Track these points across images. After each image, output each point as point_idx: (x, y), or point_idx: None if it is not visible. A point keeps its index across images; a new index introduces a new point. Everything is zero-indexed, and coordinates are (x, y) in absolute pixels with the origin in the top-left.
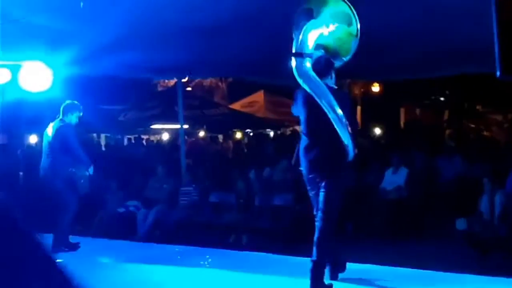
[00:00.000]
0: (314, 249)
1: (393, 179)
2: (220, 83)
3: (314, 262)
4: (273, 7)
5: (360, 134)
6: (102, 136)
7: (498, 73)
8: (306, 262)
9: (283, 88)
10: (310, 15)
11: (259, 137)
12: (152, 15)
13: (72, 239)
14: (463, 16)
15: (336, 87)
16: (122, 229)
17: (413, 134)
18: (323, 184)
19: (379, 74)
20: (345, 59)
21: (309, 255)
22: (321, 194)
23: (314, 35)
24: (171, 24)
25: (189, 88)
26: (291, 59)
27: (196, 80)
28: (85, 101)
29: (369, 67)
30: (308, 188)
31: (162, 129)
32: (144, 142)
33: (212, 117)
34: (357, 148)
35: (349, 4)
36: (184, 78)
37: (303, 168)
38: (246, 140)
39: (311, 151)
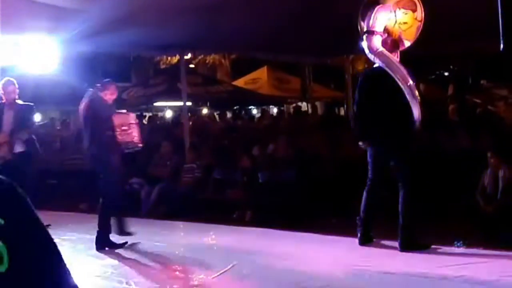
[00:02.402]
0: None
1: None
2: (223, 60)
3: (401, 225)
4: None
5: None
6: None
7: (501, 46)
8: (309, 237)
9: (286, 64)
10: (375, 4)
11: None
12: None
13: (76, 216)
14: None
15: None
16: (126, 206)
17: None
18: (395, 157)
19: None
20: (409, 42)
21: (312, 230)
22: (396, 167)
23: (382, 18)
24: (174, 1)
25: (192, 65)
26: (362, 39)
27: (199, 57)
28: (88, 78)
29: None
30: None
31: (166, 106)
32: (146, 119)
33: (215, 94)
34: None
35: None
36: (187, 55)
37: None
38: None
39: (378, 127)
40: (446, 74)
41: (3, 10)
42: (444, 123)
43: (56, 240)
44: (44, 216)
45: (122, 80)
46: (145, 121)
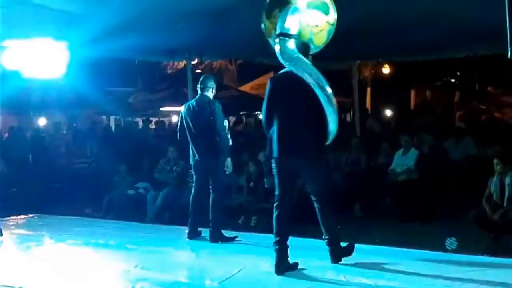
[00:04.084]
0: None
1: (403, 161)
2: (229, 65)
3: (329, 240)
4: None
5: (370, 116)
6: (112, 118)
7: (509, 54)
8: (313, 243)
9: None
10: (284, 2)
11: None
12: None
13: (84, 221)
14: None
15: None
16: (132, 211)
17: (424, 116)
18: (305, 174)
19: (390, 55)
20: (320, 46)
21: (318, 236)
22: (309, 181)
23: (295, 20)
24: (181, 6)
25: (198, 70)
26: (274, 42)
27: (206, 62)
28: (94, 83)
29: (379, 48)
30: (283, 175)
31: (172, 111)
32: (153, 124)
33: (221, 99)
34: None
35: None
36: (194, 60)
37: (278, 156)
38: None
39: (286, 138)
40: (452, 80)
41: (10, 15)
42: (451, 129)
43: (61, 245)
44: (50, 220)
45: (128, 85)
46: (151, 126)
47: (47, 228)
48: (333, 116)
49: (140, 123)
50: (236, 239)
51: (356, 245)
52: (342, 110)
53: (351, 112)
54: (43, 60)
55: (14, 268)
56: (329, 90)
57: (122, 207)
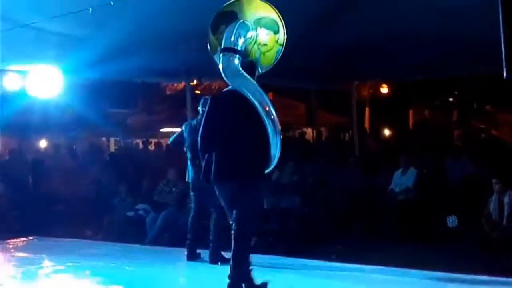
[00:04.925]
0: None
1: (402, 180)
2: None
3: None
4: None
5: (369, 136)
6: (112, 140)
7: (504, 74)
8: (312, 264)
9: (292, 90)
10: (232, 18)
11: None
12: (160, 18)
13: (84, 243)
14: (471, 16)
15: None
16: (132, 232)
17: (422, 135)
18: (238, 195)
19: (388, 75)
20: (267, 67)
21: (315, 257)
22: (237, 206)
23: (239, 36)
24: (179, 28)
25: (198, 91)
26: (219, 58)
27: (205, 83)
28: (94, 105)
29: (377, 68)
30: (221, 199)
31: (171, 132)
32: (152, 145)
33: None
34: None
35: (277, 11)
36: (193, 81)
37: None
38: None
39: (225, 161)
40: (451, 99)
41: (10, 38)
42: (449, 148)
43: (60, 267)
44: (49, 243)
45: (127, 106)
46: (151, 147)
47: (47, 250)
48: (275, 139)
49: (140, 145)
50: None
51: (356, 266)
52: (340, 129)
53: (350, 132)
54: (42, 82)
55: None
56: (273, 111)
57: (121, 228)
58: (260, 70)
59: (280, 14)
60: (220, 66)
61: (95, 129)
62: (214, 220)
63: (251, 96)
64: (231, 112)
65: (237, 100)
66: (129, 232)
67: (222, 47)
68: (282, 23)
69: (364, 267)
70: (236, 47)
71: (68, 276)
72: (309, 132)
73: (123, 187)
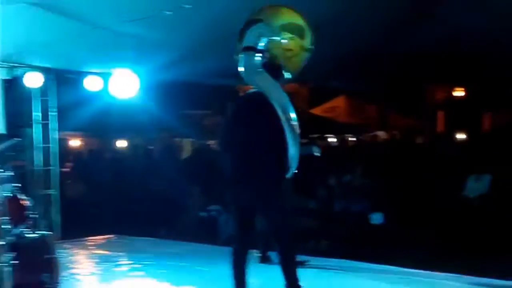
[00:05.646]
0: None
1: (476, 186)
2: (301, 88)
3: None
4: (353, 13)
5: (442, 139)
6: (186, 141)
7: None
8: (382, 269)
9: (365, 92)
10: (256, 20)
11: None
12: (235, 19)
13: (158, 242)
14: None
15: None
16: (204, 233)
17: (498, 140)
18: (263, 212)
19: (463, 79)
20: (293, 72)
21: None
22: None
23: (265, 37)
24: None
25: None
26: (241, 60)
27: None
28: (170, 106)
29: (451, 71)
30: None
31: None
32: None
33: None
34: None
35: (304, 17)
36: None
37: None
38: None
39: (241, 168)
40: None
41: (90, 41)
42: None
43: (137, 266)
44: (127, 241)
45: (202, 108)
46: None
47: (124, 248)
48: (293, 142)
49: (214, 146)
50: (306, 263)
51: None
52: (413, 133)
53: (423, 135)
54: (120, 84)
55: (92, 286)
56: (291, 114)
57: (194, 229)
58: (286, 75)
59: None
60: (241, 66)
61: (171, 130)
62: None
63: (270, 96)
64: (250, 115)
65: (257, 102)
66: (201, 232)
67: (244, 46)
68: (308, 29)
69: (436, 274)
70: (257, 46)
71: (143, 274)
72: (382, 135)
73: (196, 188)
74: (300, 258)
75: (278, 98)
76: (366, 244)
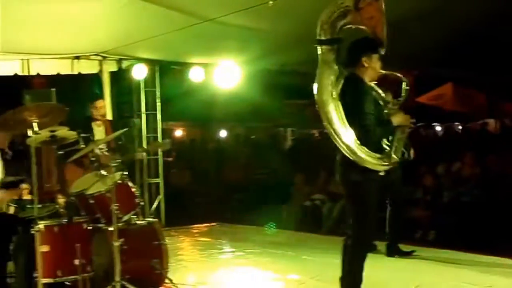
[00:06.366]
0: None
1: None
2: (406, 76)
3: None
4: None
5: None
6: (288, 130)
7: None
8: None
9: (472, 79)
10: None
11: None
12: None
13: (262, 230)
14: None
15: None
16: (308, 222)
17: None
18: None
19: None
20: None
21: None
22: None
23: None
24: None
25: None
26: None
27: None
28: (271, 96)
29: None
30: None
31: None
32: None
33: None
34: None
35: None
36: None
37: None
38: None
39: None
40: None
41: (196, 32)
42: None
43: (240, 253)
44: (230, 229)
45: (305, 97)
46: (327, 138)
47: (228, 236)
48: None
49: (316, 135)
50: (413, 254)
51: None
52: None
53: None
54: (224, 74)
55: (198, 272)
56: None
57: (298, 218)
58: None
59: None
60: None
61: (273, 119)
62: (393, 213)
63: None
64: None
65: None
66: (305, 221)
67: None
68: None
69: None
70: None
71: (246, 262)
72: (491, 123)
73: (299, 177)
74: (407, 248)
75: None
76: (477, 235)
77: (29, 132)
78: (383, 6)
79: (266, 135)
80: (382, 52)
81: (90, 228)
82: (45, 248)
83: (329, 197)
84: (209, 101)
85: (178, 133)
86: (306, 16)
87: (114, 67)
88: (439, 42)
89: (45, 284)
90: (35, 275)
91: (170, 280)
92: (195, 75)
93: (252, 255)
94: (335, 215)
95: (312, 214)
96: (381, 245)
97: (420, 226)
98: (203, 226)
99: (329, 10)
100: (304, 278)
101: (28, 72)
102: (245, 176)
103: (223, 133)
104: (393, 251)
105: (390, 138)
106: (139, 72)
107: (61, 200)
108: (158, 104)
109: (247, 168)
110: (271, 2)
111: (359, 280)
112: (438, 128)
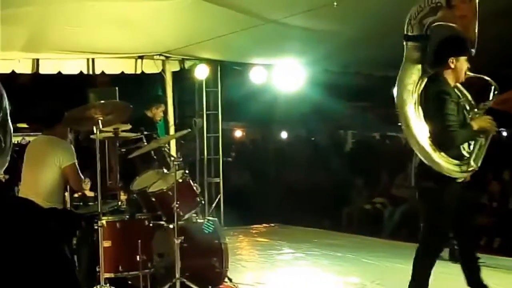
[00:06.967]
0: None
1: None
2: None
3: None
4: None
5: None
6: (349, 132)
7: None
8: None
9: None
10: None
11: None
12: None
13: (321, 233)
14: None
15: None
16: (369, 225)
17: None
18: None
19: None
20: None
21: None
22: None
23: None
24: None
25: None
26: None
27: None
28: (333, 98)
29: None
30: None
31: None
32: (387, 140)
33: None
34: None
35: None
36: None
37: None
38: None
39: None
40: None
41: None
42: None
43: (300, 255)
44: (290, 230)
45: (367, 100)
46: (387, 141)
47: (287, 237)
48: None
49: (377, 138)
50: (478, 261)
51: None
52: None
53: None
54: (286, 75)
55: (257, 272)
56: None
57: (359, 221)
58: None
59: None
60: None
61: (334, 121)
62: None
63: None
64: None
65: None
66: (366, 224)
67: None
68: None
69: None
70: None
71: (306, 263)
72: None
73: (360, 180)
74: None
75: None
76: None
77: (94, 129)
78: (477, 8)
79: (327, 137)
80: (472, 53)
81: (152, 225)
82: (107, 243)
83: (390, 201)
84: (270, 102)
85: (238, 133)
86: (370, 18)
87: (176, 67)
88: (507, 42)
89: (106, 279)
90: (97, 269)
91: (230, 279)
92: (256, 76)
93: (311, 256)
94: (396, 219)
95: (372, 218)
96: (444, 251)
97: (485, 233)
98: (262, 227)
99: (418, 5)
100: (364, 282)
101: (93, 71)
102: (305, 178)
103: (283, 134)
104: (455, 257)
105: (471, 144)
106: (201, 72)
107: (123, 197)
108: (219, 105)
109: (308, 170)
110: (335, 4)
111: (424, 286)
112: (504, 134)
